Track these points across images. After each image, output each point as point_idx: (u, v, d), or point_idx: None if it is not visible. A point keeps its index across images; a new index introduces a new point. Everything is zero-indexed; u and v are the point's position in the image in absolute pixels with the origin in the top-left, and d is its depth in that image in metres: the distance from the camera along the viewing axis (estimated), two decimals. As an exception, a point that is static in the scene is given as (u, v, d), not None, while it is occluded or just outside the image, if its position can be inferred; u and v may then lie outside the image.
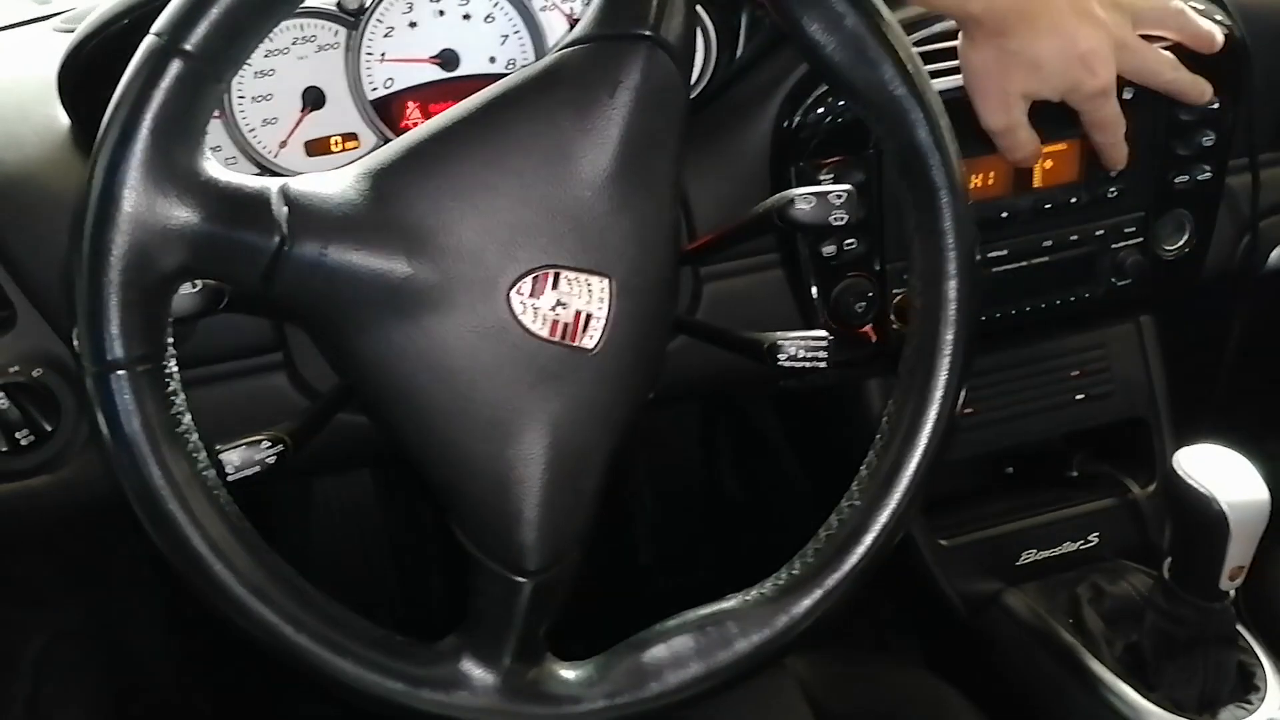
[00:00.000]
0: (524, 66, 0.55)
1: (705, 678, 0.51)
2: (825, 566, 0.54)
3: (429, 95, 0.74)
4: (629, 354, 0.52)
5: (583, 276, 0.50)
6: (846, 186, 0.59)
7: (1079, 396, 0.93)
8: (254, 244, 0.46)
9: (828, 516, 0.56)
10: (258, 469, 0.53)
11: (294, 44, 0.71)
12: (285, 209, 0.46)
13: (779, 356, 0.62)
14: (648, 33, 0.51)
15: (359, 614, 0.50)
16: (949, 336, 0.56)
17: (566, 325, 0.50)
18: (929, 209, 0.56)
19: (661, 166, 0.53)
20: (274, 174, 0.72)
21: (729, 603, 0.53)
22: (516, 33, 0.75)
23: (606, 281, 0.51)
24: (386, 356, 0.49)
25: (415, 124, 0.74)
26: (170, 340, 0.46)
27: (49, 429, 0.67)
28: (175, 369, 0.46)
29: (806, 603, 0.53)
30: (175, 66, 0.44)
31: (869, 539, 0.54)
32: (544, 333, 0.50)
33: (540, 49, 0.75)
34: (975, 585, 0.90)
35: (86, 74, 0.67)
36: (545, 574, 0.50)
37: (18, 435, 0.65)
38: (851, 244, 0.78)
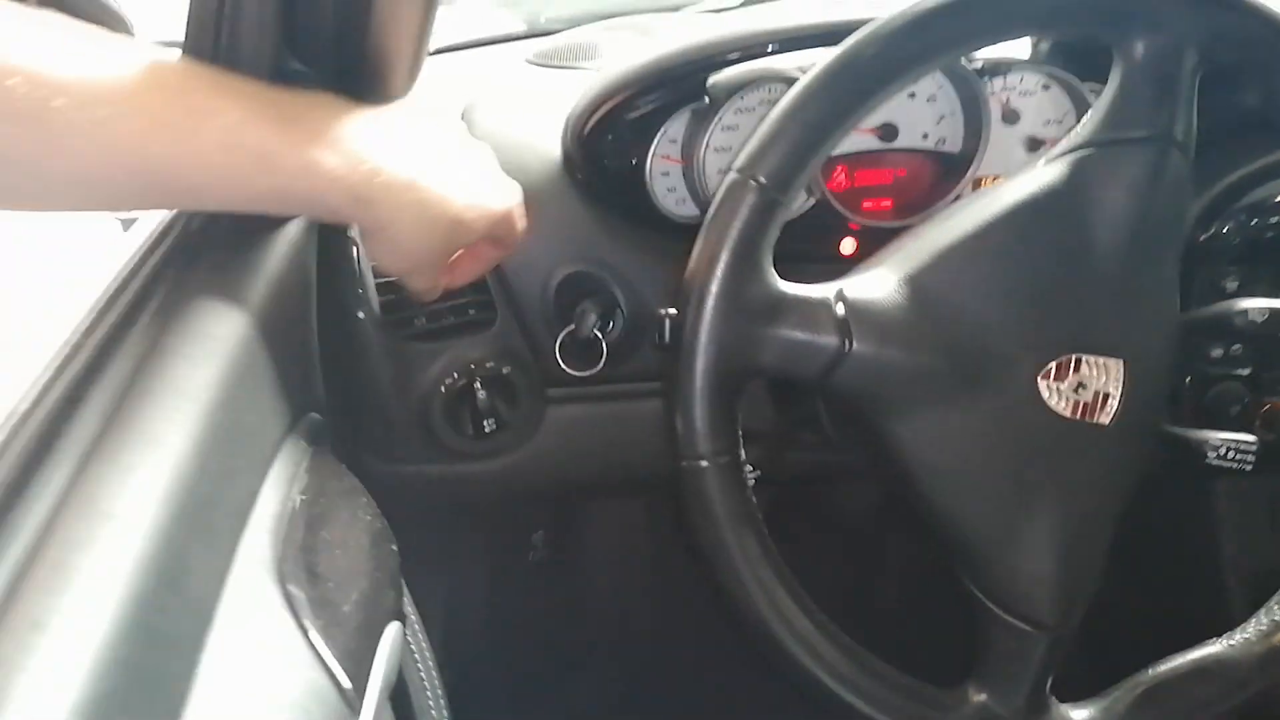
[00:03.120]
0: (1029, 170, 0.60)
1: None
2: None
3: (860, 162, 0.80)
4: (1138, 428, 0.56)
5: (1100, 360, 0.55)
6: None
7: None
8: (820, 345, 0.53)
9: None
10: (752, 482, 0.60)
11: (759, 105, 0.77)
12: (843, 313, 0.53)
13: (1208, 454, 0.65)
14: (1159, 134, 0.55)
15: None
16: None
17: (1086, 404, 0.55)
18: None
19: (1169, 255, 0.58)
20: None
21: (1215, 646, 0.58)
22: (953, 114, 0.80)
23: (1121, 363, 0.55)
24: (923, 438, 0.55)
25: (840, 186, 0.81)
26: (740, 433, 0.54)
27: (507, 420, 0.75)
28: (744, 457, 0.54)
29: None
30: (752, 198, 0.52)
31: None
32: (1066, 412, 0.55)
33: (974, 131, 0.80)
34: None
35: (590, 132, 0.75)
36: (1060, 629, 0.55)
37: (485, 422, 0.74)
38: (1237, 349, 0.80)
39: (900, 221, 0.80)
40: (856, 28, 0.73)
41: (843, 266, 0.61)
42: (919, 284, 0.55)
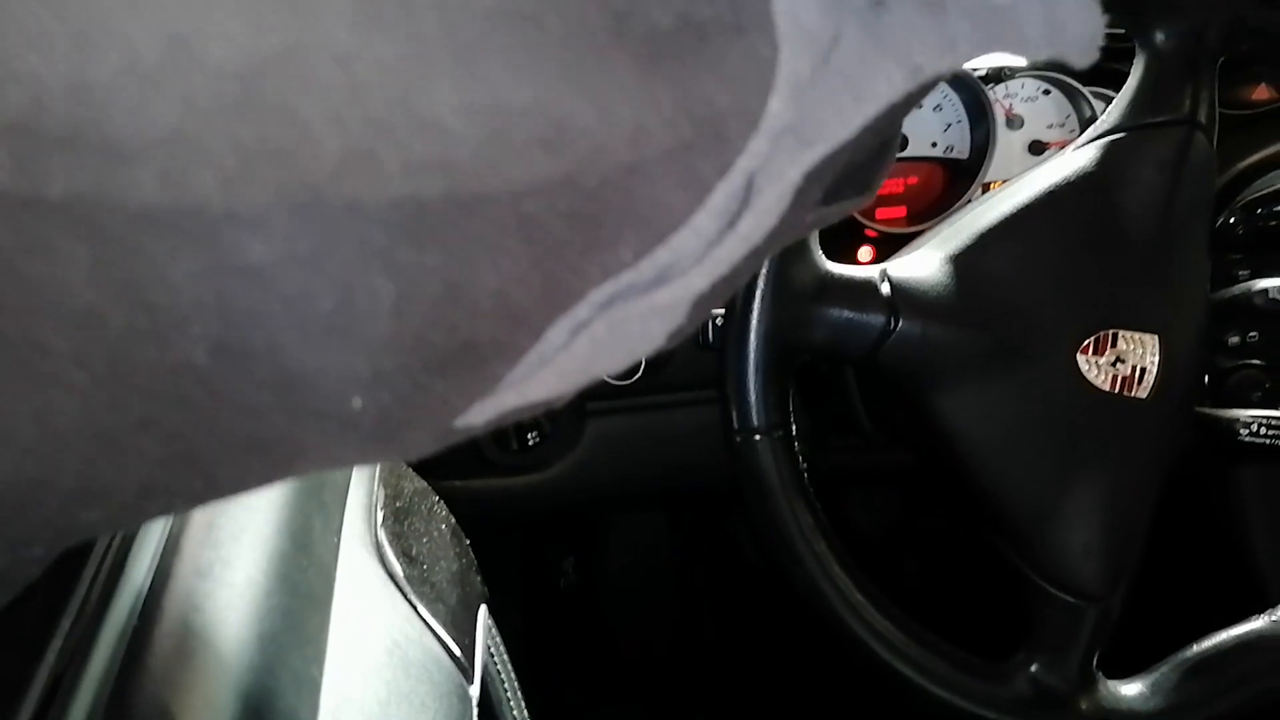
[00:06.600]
0: (1062, 153, 0.63)
1: (1262, 695, 0.56)
2: None
3: (872, 171, 0.84)
4: (1173, 402, 0.58)
5: (1136, 335, 0.57)
6: None
7: None
8: (867, 323, 0.55)
9: None
10: None
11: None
12: (888, 291, 0.55)
13: (1240, 432, 0.67)
14: (1183, 117, 0.58)
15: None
16: None
17: (1124, 378, 0.57)
18: None
19: (1198, 234, 0.59)
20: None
21: (1258, 623, 0.58)
22: (959, 121, 0.83)
23: (1156, 338, 0.57)
24: (966, 412, 0.57)
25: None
26: (791, 410, 0.56)
27: (549, 433, 0.77)
28: (794, 431, 0.56)
29: None
30: None
31: None
32: (1105, 386, 0.57)
33: (980, 138, 0.83)
34: None
35: None
36: (1106, 600, 0.56)
37: (529, 436, 0.75)
38: (1253, 336, 0.83)
39: (914, 228, 0.83)
40: None
41: None
42: (961, 263, 0.57)
